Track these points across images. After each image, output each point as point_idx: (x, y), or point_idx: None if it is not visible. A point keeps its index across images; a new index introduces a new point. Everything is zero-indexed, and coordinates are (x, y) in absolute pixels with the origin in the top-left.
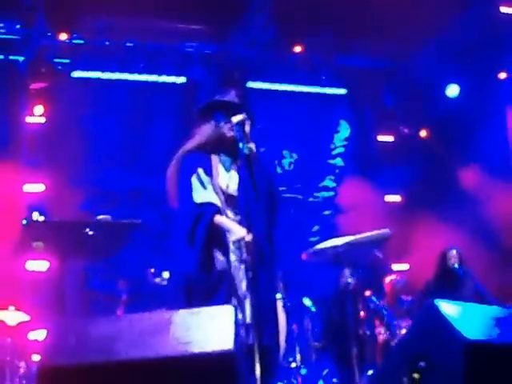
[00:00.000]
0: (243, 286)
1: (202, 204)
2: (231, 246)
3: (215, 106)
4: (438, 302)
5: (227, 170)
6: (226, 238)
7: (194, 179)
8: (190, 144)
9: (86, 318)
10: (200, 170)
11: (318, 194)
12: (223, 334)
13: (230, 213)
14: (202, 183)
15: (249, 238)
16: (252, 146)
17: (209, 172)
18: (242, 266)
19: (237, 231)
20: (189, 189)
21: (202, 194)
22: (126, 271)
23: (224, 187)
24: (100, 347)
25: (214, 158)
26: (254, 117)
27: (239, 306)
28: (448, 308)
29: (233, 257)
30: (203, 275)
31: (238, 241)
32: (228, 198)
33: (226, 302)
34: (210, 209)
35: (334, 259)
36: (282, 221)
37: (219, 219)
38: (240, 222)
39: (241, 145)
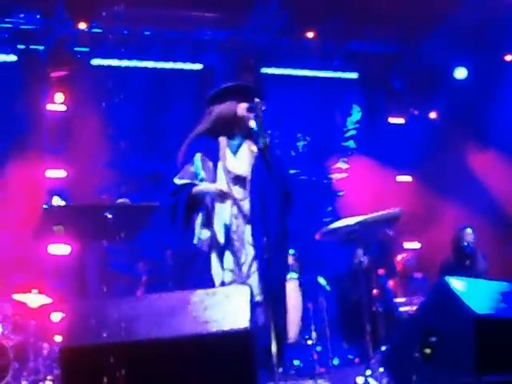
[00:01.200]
0: (245, 265)
1: (181, 185)
2: (227, 221)
3: (229, 90)
4: (448, 279)
5: (234, 152)
6: (212, 215)
7: (188, 165)
8: (200, 128)
9: (106, 299)
10: (198, 156)
11: (332, 176)
12: (239, 313)
13: (236, 191)
14: (197, 167)
15: (226, 188)
16: (267, 140)
17: (213, 156)
18: (248, 247)
19: (214, 186)
20: (178, 173)
21: (186, 176)
22: (145, 253)
23: (230, 168)
24: (120, 327)
25: (222, 141)
26: (267, 101)
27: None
28: (458, 284)
29: (235, 236)
30: (187, 250)
31: (221, 196)
32: (235, 178)
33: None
34: (187, 186)
35: (347, 238)
36: (295, 203)
37: (196, 188)
38: (251, 202)
39: (260, 140)
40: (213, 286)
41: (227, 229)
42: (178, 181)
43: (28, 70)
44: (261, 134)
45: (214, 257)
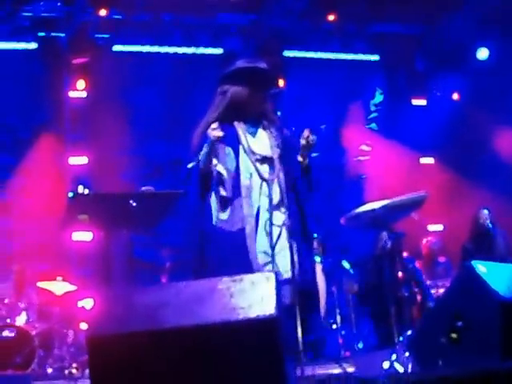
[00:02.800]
0: (272, 245)
1: (192, 166)
2: (257, 202)
3: (247, 71)
4: (474, 263)
5: (253, 134)
6: (238, 196)
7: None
8: (212, 115)
9: (131, 287)
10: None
11: (354, 159)
12: (266, 300)
13: (263, 171)
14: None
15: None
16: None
17: (231, 141)
18: (275, 229)
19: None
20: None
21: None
22: (169, 239)
23: (255, 149)
24: (147, 315)
25: (238, 125)
26: (289, 84)
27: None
28: (484, 268)
29: (264, 216)
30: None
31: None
32: (261, 160)
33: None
34: (195, 166)
35: (372, 223)
36: (318, 187)
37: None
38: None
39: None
40: (243, 269)
41: (257, 210)
42: (190, 165)
43: (49, 58)
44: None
45: (246, 240)
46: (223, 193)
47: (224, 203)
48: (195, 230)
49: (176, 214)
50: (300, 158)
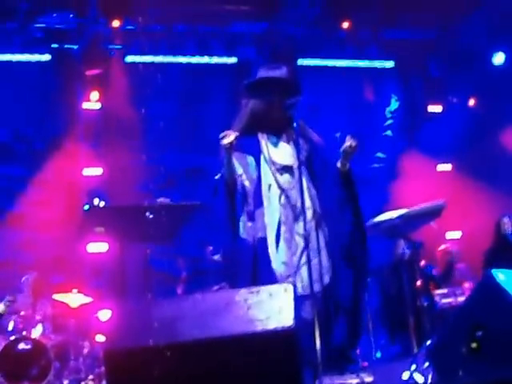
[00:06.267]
0: (296, 256)
1: (219, 178)
2: (277, 212)
3: (267, 82)
4: (494, 272)
5: (274, 144)
6: (261, 207)
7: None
8: (235, 127)
9: (148, 299)
10: (235, 153)
11: (371, 166)
12: (284, 312)
13: (284, 181)
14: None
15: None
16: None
17: (253, 150)
18: (298, 238)
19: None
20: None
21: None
22: (185, 249)
23: (275, 159)
24: (164, 328)
25: (261, 136)
26: (304, 93)
27: (292, 277)
28: (504, 277)
29: (284, 227)
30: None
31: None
32: (281, 169)
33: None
34: (221, 177)
35: (390, 232)
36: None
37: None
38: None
39: (295, 124)
40: (267, 280)
41: (278, 220)
42: (217, 177)
43: (62, 69)
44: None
45: (267, 249)
46: (249, 206)
47: (250, 215)
48: (225, 243)
49: (194, 224)
50: (339, 164)
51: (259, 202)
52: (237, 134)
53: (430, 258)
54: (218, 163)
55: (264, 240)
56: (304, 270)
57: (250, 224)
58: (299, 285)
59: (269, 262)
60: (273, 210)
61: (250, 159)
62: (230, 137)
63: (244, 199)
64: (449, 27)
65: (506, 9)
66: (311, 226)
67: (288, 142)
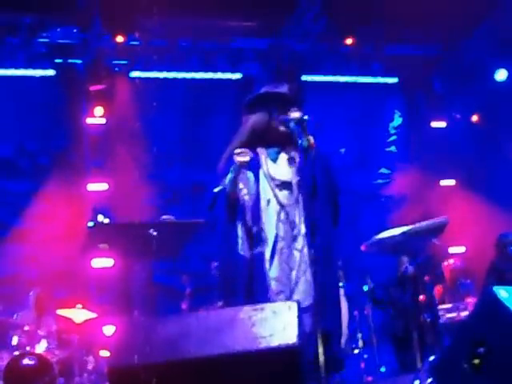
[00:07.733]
0: (294, 271)
1: (218, 190)
2: (275, 228)
3: (266, 97)
4: (496, 289)
5: (274, 159)
6: (258, 223)
7: (226, 177)
8: (236, 143)
9: (152, 313)
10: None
11: (375, 182)
12: (287, 329)
13: (282, 197)
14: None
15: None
16: (311, 138)
17: (253, 165)
18: (296, 253)
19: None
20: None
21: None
22: (189, 265)
23: (274, 175)
24: (168, 345)
25: (261, 151)
26: (307, 108)
27: (288, 291)
28: (506, 294)
29: (282, 243)
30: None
31: (243, 157)
32: (280, 185)
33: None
34: (223, 189)
35: (393, 249)
36: (341, 211)
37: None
38: (306, 212)
39: (299, 141)
40: (262, 295)
41: (276, 236)
42: (215, 189)
43: (66, 85)
44: (304, 135)
45: (264, 264)
46: (247, 221)
47: (247, 229)
48: (222, 257)
49: (198, 240)
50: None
51: (257, 217)
52: (251, 155)
53: (433, 274)
54: (217, 176)
55: (261, 255)
56: (301, 284)
57: (246, 239)
58: (296, 297)
59: (264, 277)
60: (271, 226)
61: (250, 174)
62: (246, 156)
63: (243, 213)
64: (452, 44)
65: (509, 25)
66: (307, 242)
67: (287, 158)
